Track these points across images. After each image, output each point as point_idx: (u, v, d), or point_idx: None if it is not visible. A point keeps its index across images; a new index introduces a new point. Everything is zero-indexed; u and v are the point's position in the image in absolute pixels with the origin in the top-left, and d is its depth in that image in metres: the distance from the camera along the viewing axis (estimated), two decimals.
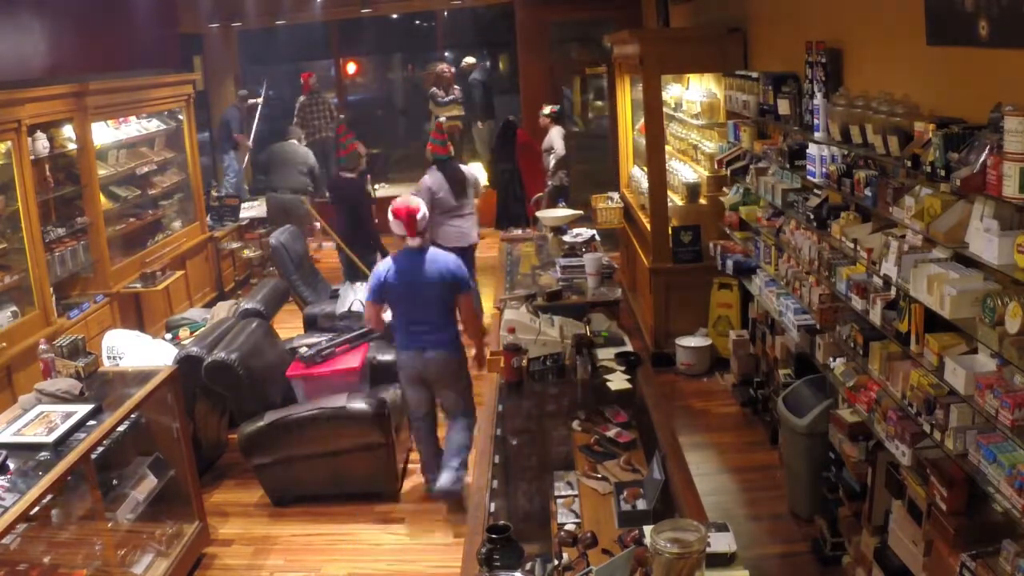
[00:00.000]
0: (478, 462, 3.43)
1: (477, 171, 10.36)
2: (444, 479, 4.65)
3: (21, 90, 5.92)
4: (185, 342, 5.54)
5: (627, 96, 8.33)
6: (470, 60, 11.52)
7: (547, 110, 8.98)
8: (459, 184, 6.81)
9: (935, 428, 2.87)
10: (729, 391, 6.07)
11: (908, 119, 3.25)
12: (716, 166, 6.07)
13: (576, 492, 3.41)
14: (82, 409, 3.83)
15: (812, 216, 4.10)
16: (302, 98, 10.99)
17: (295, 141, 9.40)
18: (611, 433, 3.80)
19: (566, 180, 8.96)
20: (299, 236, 7.11)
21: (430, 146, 7.03)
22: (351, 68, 12.38)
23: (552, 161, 8.85)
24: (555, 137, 8.85)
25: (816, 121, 4.21)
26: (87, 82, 6.73)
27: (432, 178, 6.73)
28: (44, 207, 6.29)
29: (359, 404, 4.82)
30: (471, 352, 4.80)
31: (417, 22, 12.41)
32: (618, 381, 4.11)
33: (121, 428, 4.03)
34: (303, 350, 5.21)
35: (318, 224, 7.60)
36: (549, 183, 8.93)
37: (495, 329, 4.81)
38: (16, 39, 7.02)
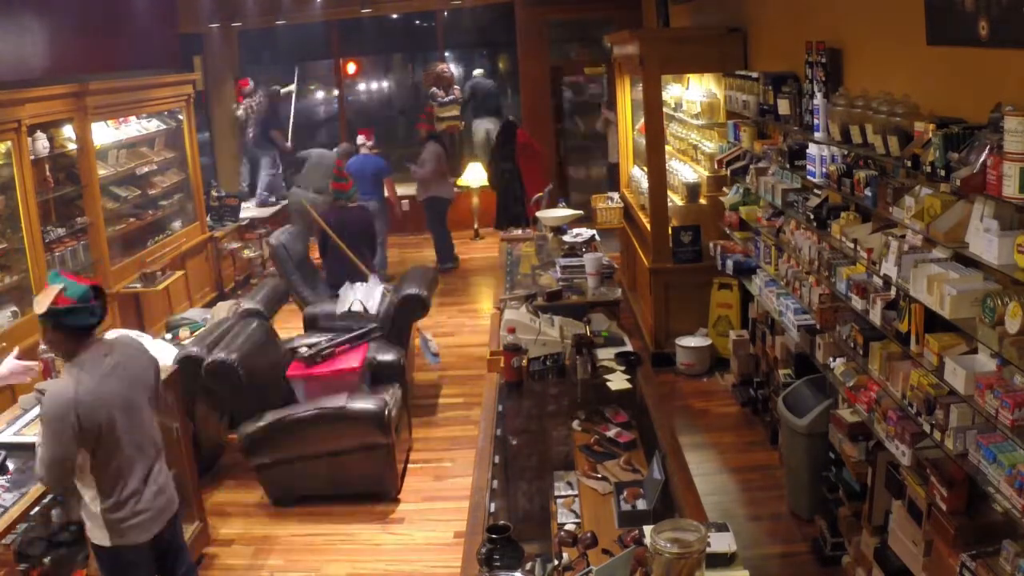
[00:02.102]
0: (478, 462, 3.43)
1: (476, 172, 10.38)
2: None
3: (21, 90, 5.92)
4: (185, 342, 5.54)
5: (627, 96, 8.33)
6: (479, 71, 11.63)
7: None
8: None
9: (935, 428, 2.87)
10: (729, 391, 6.07)
11: (908, 119, 3.25)
12: (716, 166, 6.07)
13: (576, 492, 3.41)
14: None
15: (812, 216, 4.10)
16: None
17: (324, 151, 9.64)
18: (611, 433, 3.80)
19: None
20: (299, 236, 7.10)
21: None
22: (351, 68, 12.37)
23: None
24: None
25: (816, 121, 4.21)
26: (87, 82, 6.73)
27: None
28: (44, 207, 6.29)
29: (359, 404, 4.82)
30: None
31: (417, 22, 12.39)
32: (618, 381, 4.10)
33: None
34: (303, 350, 5.21)
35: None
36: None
37: (495, 329, 4.81)
38: (16, 39, 7.02)
